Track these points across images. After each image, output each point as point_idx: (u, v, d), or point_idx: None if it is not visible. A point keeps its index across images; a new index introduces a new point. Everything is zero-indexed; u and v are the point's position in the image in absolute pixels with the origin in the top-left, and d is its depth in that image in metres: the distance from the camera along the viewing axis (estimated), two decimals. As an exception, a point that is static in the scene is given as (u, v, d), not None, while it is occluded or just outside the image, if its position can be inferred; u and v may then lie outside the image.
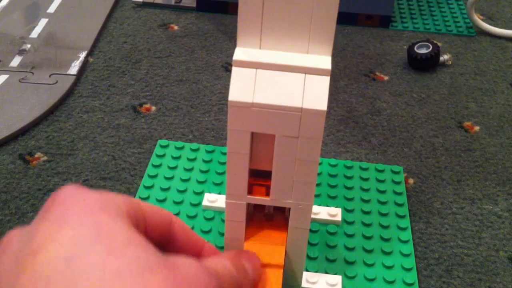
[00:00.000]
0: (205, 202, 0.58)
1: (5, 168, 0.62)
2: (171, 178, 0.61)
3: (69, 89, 0.74)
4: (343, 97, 0.76)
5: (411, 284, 0.52)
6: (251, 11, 0.40)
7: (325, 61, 0.41)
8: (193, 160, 0.64)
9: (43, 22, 0.87)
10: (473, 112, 0.75)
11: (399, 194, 0.61)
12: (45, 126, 0.68)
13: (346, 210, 0.59)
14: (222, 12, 0.93)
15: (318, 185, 0.61)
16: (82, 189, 0.31)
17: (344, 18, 0.91)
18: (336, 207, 0.59)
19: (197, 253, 0.40)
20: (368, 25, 0.92)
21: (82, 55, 0.80)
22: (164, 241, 0.36)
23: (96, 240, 0.27)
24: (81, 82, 0.76)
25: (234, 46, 0.42)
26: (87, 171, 0.63)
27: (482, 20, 0.92)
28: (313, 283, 0.51)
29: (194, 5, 0.93)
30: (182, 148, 0.65)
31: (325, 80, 0.41)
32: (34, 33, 0.85)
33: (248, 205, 0.47)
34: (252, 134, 0.42)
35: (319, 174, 0.63)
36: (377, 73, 0.81)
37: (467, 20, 0.94)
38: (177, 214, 0.57)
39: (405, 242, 0.56)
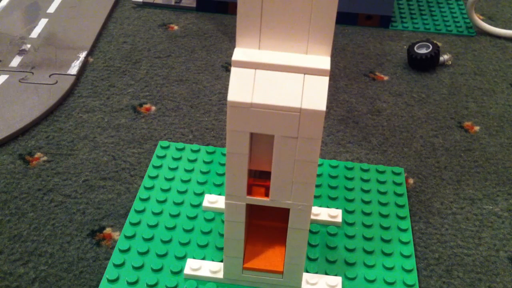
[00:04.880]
0: (205, 203, 0.58)
1: (5, 168, 0.62)
2: (171, 179, 0.61)
3: (69, 89, 0.74)
4: (343, 97, 0.76)
5: (412, 286, 0.52)
6: (250, 12, 0.40)
7: (324, 62, 0.41)
8: (194, 161, 0.64)
9: (43, 22, 0.87)
10: (473, 112, 0.75)
11: (400, 195, 0.61)
12: (45, 126, 0.68)
13: (346, 211, 0.59)
14: (222, 12, 0.93)
15: (318, 186, 0.61)
16: None
17: (344, 18, 0.91)
18: (337, 208, 0.59)
19: None
20: (368, 25, 0.91)
21: (82, 55, 0.80)
22: None
23: None
24: (81, 82, 0.76)
25: (234, 46, 0.42)
26: (87, 171, 0.63)
27: (482, 20, 0.92)
28: (313, 284, 0.51)
29: (194, 5, 0.93)
30: (182, 149, 0.65)
31: (324, 81, 0.41)
32: (34, 33, 0.84)
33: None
34: (252, 134, 0.42)
35: (319, 175, 0.63)
36: (377, 73, 0.81)
37: (467, 20, 0.94)
38: (178, 215, 0.57)
39: (406, 243, 0.56)
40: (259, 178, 0.46)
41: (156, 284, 0.51)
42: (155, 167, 0.63)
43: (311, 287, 0.51)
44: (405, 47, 0.87)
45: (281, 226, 0.50)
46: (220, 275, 0.51)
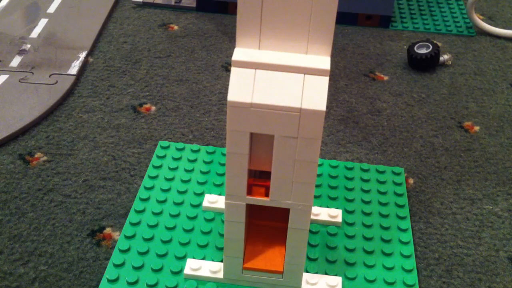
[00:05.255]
0: (205, 203, 0.58)
1: (5, 168, 0.62)
2: (171, 179, 0.61)
3: (69, 89, 0.74)
4: (343, 97, 0.76)
5: (412, 286, 0.52)
6: (250, 12, 0.40)
7: (324, 61, 0.41)
8: (194, 161, 0.64)
9: (43, 22, 0.87)
10: (473, 112, 0.75)
11: (400, 195, 0.61)
12: (45, 126, 0.68)
13: (346, 211, 0.59)
14: (222, 12, 0.93)
15: (318, 186, 0.61)
16: None
17: (344, 18, 0.91)
18: (337, 208, 0.59)
19: None
20: (368, 25, 0.91)
21: (82, 55, 0.80)
22: None
23: None
24: (81, 82, 0.76)
25: (234, 46, 0.42)
26: (87, 171, 0.63)
27: (482, 20, 0.92)
28: (313, 284, 0.51)
29: (194, 5, 0.93)
30: (182, 149, 0.65)
31: (324, 81, 0.41)
32: (34, 33, 0.84)
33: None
34: (252, 134, 0.42)
35: (319, 175, 0.63)
36: (377, 73, 0.81)
37: (467, 20, 0.94)
38: (178, 215, 0.57)
39: (406, 243, 0.56)
40: (259, 178, 0.46)
41: (156, 284, 0.51)
42: (155, 167, 0.63)
43: (311, 287, 0.51)
44: (405, 47, 0.87)
45: (281, 226, 0.50)
46: (220, 275, 0.51)
